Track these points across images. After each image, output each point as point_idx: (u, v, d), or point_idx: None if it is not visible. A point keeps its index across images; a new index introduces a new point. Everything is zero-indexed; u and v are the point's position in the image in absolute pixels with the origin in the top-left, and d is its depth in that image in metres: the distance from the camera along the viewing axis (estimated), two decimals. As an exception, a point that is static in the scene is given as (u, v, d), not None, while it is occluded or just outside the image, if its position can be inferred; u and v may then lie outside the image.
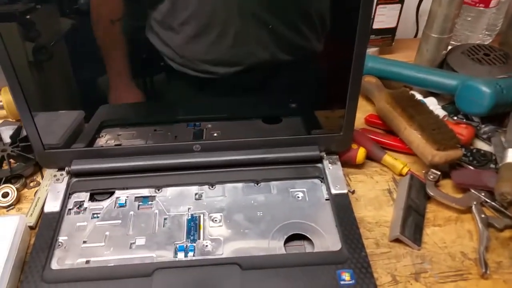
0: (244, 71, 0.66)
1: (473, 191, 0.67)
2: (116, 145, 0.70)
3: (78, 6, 0.59)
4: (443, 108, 0.82)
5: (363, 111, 0.83)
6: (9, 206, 0.67)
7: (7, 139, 0.75)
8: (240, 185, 0.67)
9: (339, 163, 0.68)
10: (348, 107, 0.65)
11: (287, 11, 0.62)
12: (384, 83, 0.86)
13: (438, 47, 0.88)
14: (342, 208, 0.62)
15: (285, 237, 0.59)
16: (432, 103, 0.81)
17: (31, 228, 0.63)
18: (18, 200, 0.68)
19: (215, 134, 0.72)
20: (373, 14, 0.92)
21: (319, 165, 0.69)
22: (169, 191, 0.66)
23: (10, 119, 0.81)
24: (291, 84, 0.70)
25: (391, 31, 0.96)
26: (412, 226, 0.62)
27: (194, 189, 0.67)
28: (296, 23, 0.63)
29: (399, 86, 0.87)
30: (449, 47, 0.91)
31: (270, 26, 0.62)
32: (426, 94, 0.84)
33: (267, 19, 0.62)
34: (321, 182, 0.67)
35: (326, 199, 0.65)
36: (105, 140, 0.71)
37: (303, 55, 0.67)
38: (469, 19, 0.97)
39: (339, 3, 0.61)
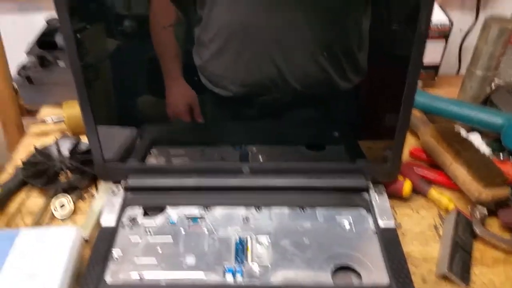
0: (289, 98, 0.69)
1: (521, 231, 0.67)
2: (167, 162, 0.73)
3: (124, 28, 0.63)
4: (488, 145, 0.82)
5: (407, 144, 0.83)
6: (64, 216, 0.69)
7: (65, 152, 0.78)
8: (286, 210, 0.69)
9: (385, 194, 0.69)
10: (397, 139, 0.67)
11: (338, 43, 0.64)
12: (427, 117, 0.87)
13: (482, 85, 0.89)
14: (390, 242, 0.63)
15: (334, 268, 0.60)
16: (477, 140, 0.81)
17: (85, 240, 0.66)
18: (73, 211, 0.71)
19: (261, 158, 0.74)
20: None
21: (365, 194, 0.70)
22: (218, 211, 0.68)
23: (69, 133, 0.85)
24: (339, 113, 0.72)
25: (435, 67, 0.98)
26: (459, 264, 0.62)
27: (242, 211, 0.68)
28: (347, 55, 0.65)
29: (442, 121, 0.88)
30: (493, 85, 0.91)
31: (324, 53, 0.64)
32: (470, 130, 0.84)
33: (319, 50, 0.64)
34: (368, 212, 0.68)
35: (374, 231, 0.65)
36: (156, 157, 0.74)
37: (354, 87, 0.69)
38: (514, 58, 0.98)
39: (395, 37, 0.63)
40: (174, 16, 0.67)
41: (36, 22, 1.01)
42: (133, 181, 0.70)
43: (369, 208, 0.68)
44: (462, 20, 1.01)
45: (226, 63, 0.68)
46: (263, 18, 0.63)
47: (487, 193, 0.68)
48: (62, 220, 0.70)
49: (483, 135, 0.84)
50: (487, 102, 0.91)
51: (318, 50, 0.65)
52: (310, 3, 0.62)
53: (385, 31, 0.63)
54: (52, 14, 1.00)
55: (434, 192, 0.73)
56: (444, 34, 0.92)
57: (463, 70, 1.08)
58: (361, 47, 0.66)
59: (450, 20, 0.91)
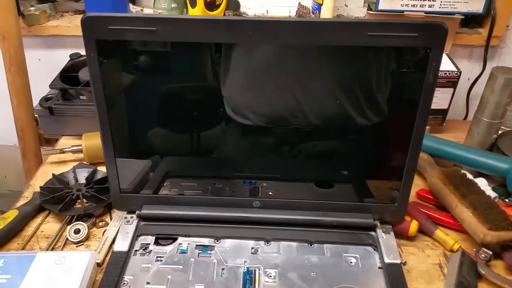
0: (305, 130, 0.71)
1: (525, 274, 0.68)
2: (179, 194, 0.75)
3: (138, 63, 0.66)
4: (494, 189, 0.84)
5: (414, 185, 0.85)
6: (79, 242, 0.72)
7: (82, 180, 0.81)
8: (294, 244, 0.70)
9: (392, 233, 0.71)
10: (404, 181, 0.69)
11: (352, 89, 0.68)
12: (434, 160, 0.89)
13: (489, 131, 0.92)
14: (395, 278, 0.64)
15: (339, 303, 0.61)
16: (483, 184, 0.83)
17: (98, 264, 0.68)
18: (87, 237, 0.73)
19: (270, 193, 0.76)
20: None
21: (373, 233, 0.71)
22: (228, 243, 0.70)
23: (85, 162, 0.88)
24: (350, 152, 0.74)
25: (443, 112, 1.01)
26: (464, 303, 0.63)
27: (251, 243, 0.70)
28: (358, 100, 0.68)
29: (449, 165, 0.90)
30: (500, 131, 0.94)
31: (338, 101, 0.67)
32: (476, 175, 0.86)
33: (338, 87, 0.67)
34: (374, 250, 0.69)
35: (379, 267, 0.67)
36: (169, 189, 0.76)
37: (366, 127, 0.72)
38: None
39: (407, 84, 0.66)
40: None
41: (60, 57, 1.07)
42: (146, 211, 0.72)
43: (376, 246, 0.69)
44: (469, 70, 1.04)
45: (250, 96, 0.70)
46: (284, 62, 0.65)
47: (492, 236, 0.69)
48: (77, 246, 0.71)
49: (489, 179, 0.86)
50: (493, 148, 0.93)
51: (337, 88, 0.67)
52: (329, 59, 0.65)
53: (397, 78, 0.66)
54: (76, 50, 1.06)
55: (440, 233, 0.74)
56: (453, 81, 0.96)
57: (470, 116, 1.12)
58: (380, 87, 0.69)
59: (458, 69, 0.95)
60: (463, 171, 0.83)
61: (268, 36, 0.59)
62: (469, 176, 0.82)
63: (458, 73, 0.95)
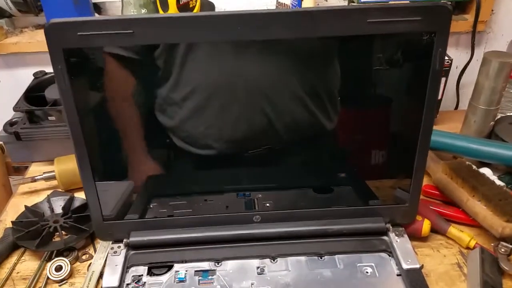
0: (281, 145, 0.66)
1: (550, 266, 0.63)
2: (169, 216, 0.68)
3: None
4: (499, 178, 0.80)
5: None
6: (62, 280, 0.64)
7: (58, 210, 0.73)
8: (303, 258, 0.64)
9: (406, 235, 0.66)
10: (415, 177, 0.64)
11: (322, 86, 0.63)
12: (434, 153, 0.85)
13: (486, 118, 0.88)
14: (417, 284, 0.59)
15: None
16: (488, 174, 0.79)
17: (85, 304, 0.60)
18: (71, 274, 0.65)
19: (267, 204, 0.70)
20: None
21: (385, 237, 0.66)
22: (230, 265, 0.64)
23: (60, 190, 0.80)
24: (351, 155, 0.69)
25: (436, 103, 0.97)
26: (494, 305, 0.58)
27: (255, 262, 0.64)
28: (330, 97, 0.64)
29: (448, 157, 0.86)
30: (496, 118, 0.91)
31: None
32: (478, 165, 0.82)
33: (304, 93, 0.62)
34: (389, 256, 0.64)
35: (398, 275, 0.61)
36: (157, 210, 0.69)
37: (365, 128, 0.67)
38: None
39: (408, 75, 0.61)
40: (134, 82, 0.62)
41: (23, 77, 0.99)
42: (135, 239, 0.65)
43: (391, 251, 0.64)
44: (457, 57, 1.01)
45: (210, 119, 0.64)
46: (246, 69, 0.60)
47: (511, 227, 0.65)
48: (60, 285, 0.63)
49: (492, 168, 0.82)
50: (491, 135, 0.90)
51: (304, 94, 0.62)
52: (290, 52, 0.60)
53: (400, 70, 0.61)
54: (40, 68, 0.97)
55: (454, 230, 0.70)
56: (445, 70, 0.92)
57: (461, 106, 1.09)
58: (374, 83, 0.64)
59: (449, 57, 0.92)
60: (467, 163, 0.79)
61: (259, 31, 0.53)
62: (474, 167, 0.78)
63: (450, 61, 0.92)
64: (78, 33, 0.50)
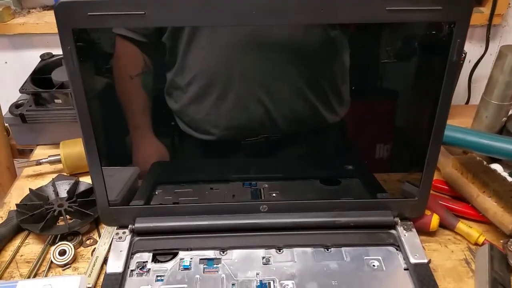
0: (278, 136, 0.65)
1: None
2: (174, 203, 0.68)
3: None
4: (510, 175, 0.79)
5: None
6: (65, 264, 0.63)
7: (63, 194, 0.72)
8: (309, 250, 0.64)
9: (414, 230, 0.65)
10: (426, 171, 0.63)
11: (323, 78, 0.62)
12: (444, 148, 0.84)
13: (498, 114, 0.87)
14: (424, 279, 0.58)
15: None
16: (499, 170, 0.78)
17: (89, 289, 0.59)
18: (74, 259, 0.64)
19: (274, 194, 0.69)
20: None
21: (393, 231, 0.65)
22: (235, 254, 0.63)
23: (65, 173, 0.79)
24: (363, 146, 0.68)
25: (451, 96, 0.96)
26: (503, 302, 0.57)
27: (261, 252, 0.63)
28: (332, 89, 0.63)
29: (458, 152, 0.85)
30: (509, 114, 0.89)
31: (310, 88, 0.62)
32: (489, 161, 0.81)
33: (304, 85, 0.61)
34: (397, 250, 0.63)
35: (405, 269, 0.61)
36: (162, 197, 0.68)
37: (376, 119, 0.66)
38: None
39: (423, 67, 0.60)
40: (142, 64, 0.62)
41: (29, 58, 0.98)
42: (141, 225, 0.64)
43: (398, 245, 0.63)
44: (470, 51, 1.00)
45: (208, 106, 0.64)
46: (245, 58, 0.60)
47: (521, 225, 0.64)
48: (63, 269, 0.63)
49: (503, 165, 0.81)
50: (502, 131, 0.88)
51: (304, 85, 0.61)
52: (293, 44, 0.59)
53: (416, 60, 0.60)
54: (47, 49, 0.96)
55: (462, 226, 0.69)
56: (458, 64, 0.91)
57: (472, 100, 1.07)
58: (344, 80, 0.63)
59: (463, 51, 0.90)
60: (478, 158, 0.78)
61: (276, 16, 0.51)
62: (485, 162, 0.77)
63: (463, 55, 0.90)
64: (88, 13, 0.49)
